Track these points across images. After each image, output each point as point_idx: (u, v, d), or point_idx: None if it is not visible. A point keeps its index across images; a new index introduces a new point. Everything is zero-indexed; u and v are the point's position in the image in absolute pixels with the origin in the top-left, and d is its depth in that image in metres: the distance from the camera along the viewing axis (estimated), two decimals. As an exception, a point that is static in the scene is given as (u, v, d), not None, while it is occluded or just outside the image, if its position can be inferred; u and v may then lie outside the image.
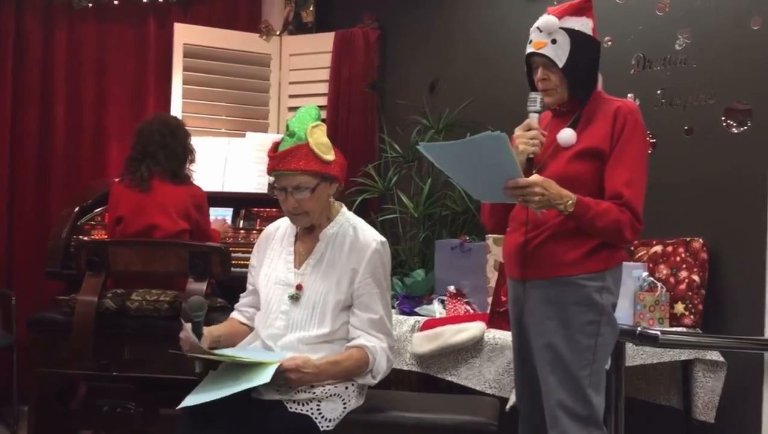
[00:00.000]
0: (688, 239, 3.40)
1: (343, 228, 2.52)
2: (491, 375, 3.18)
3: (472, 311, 3.55)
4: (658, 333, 2.82)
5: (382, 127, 4.69)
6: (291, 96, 4.94)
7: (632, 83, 3.70)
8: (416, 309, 3.68)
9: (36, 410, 3.46)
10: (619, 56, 3.72)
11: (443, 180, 4.23)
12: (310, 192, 2.40)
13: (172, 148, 3.66)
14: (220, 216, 4.20)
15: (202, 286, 3.32)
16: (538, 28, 2.35)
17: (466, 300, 3.61)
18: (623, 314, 3.13)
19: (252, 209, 4.27)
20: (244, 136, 4.58)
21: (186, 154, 3.73)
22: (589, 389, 2.28)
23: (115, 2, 4.74)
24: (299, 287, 2.47)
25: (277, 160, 2.40)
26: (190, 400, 2.27)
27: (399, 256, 4.24)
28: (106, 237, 3.81)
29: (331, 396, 2.37)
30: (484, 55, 4.34)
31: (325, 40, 4.86)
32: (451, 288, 3.63)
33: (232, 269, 3.49)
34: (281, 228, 2.63)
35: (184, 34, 4.78)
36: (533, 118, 2.34)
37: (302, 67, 4.94)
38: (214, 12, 5.02)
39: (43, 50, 4.68)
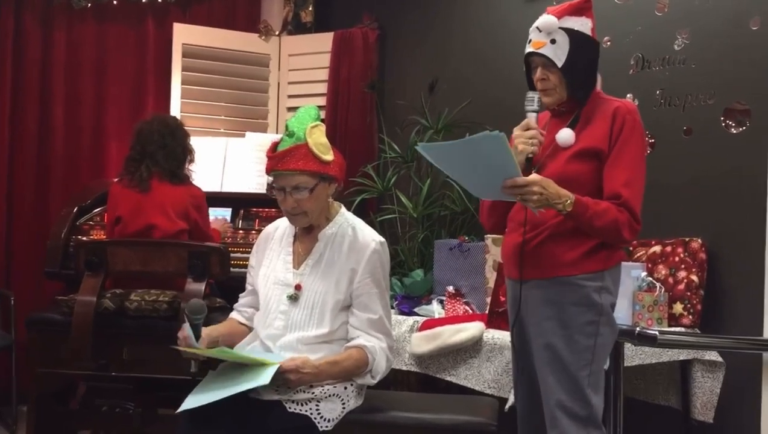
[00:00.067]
0: (686, 239, 3.41)
1: (342, 229, 2.52)
2: (490, 375, 3.18)
3: (470, 311, 3.55)
4: (657, 333, 2.83)
5: (381, 127, 4.69)
6: (290, 96, 4.94)
7: (631, 83, 3.70)
8: (415, 310, 3.68)
9: (35, 410, 3.46)
10: (618, 56, 3.72)
11: (442, 180, 4.23)
12: (309, 192, 2.40)
13: (171, 148, 3.66)
14: (219, 216, 4.20)
15: (201, 286, 3.32)
16: (537, 27, 2.36)
17: (464, 300, 3.61)
18: (622, 314, 3.13)
19: (251, 209, 4.27)
20: (243, 136, 4.59)
21: (185, 154, 3.73)
22: (588, 389, 2.28)
23: (114, 2, 4.74)
24: (298, 287, 2.47)
25: (276, 159, 2.40)
26: (190, 402, 2.26)
27: (398, 256, 4.24)
28: (105, 237, 3.81)
29: (330, 396, 2.37)
30: (483, 55, 4.34)
31: (324, 40, 4.86)
32: (450, 288, 3.63)
33: (231, 269, 3.49)
34: (280, 229, 2.63)
35: (183, 34, 4.78)
36: (531, 118, 2.34)
37: (301, 67, 4.94)
38: (213, 12, 5.02)
39: (42, 50, 4.68)
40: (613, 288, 2.36)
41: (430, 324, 3.40)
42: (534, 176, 2.20)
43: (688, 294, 3.31)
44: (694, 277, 3.32)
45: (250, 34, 4.95)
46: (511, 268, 2.42)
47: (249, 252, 2.73)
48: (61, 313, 3.40)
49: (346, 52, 4.77)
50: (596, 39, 2.41)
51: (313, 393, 2.34)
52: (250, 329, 2.61)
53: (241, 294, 2.71)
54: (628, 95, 3.65)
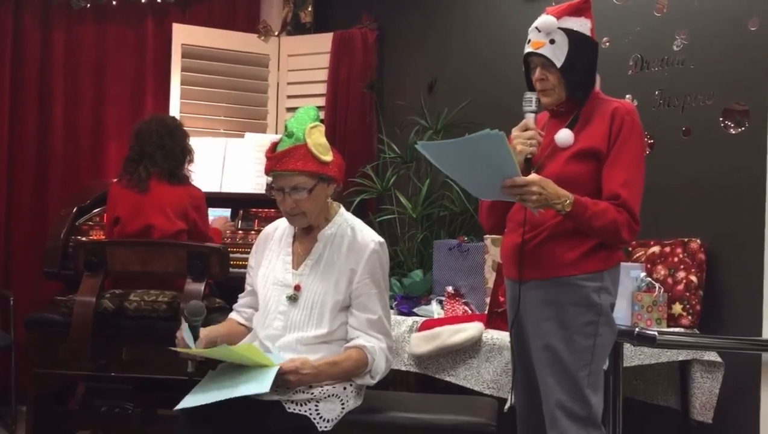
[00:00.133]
0: (685, 240, 3.41)
1: (342, 229, 2.52)
2: (489, 376, 3.18)
3: (470, 311, 3.55)
4: (656, 333, 2.83)
5: (381, 127, 4.69)
6: (289, 96, 4.94)
7: (630, 84, 3.70)
8: (414, 310, 3.68)
9: (34, 410, 3.46)
10: (617, 57, 3.72)
11: (441, 180, 4.24)
12: (308, 192, 2.40)
13: (170, 149, 3.66)
14: (221, 215, 4.20)
15: (201, 287, 3.32)
16: (536, 28, 2.36)
17: (464, 300, 3.61)
18: (621, 314, 3.13)
19: (250, 210, 4.27)
20: (242, 136, 4.59)
21: (184, 154, 3.73)
22: (588, 389, 2.28)
23: (114, 2, 4.74)
24: (297, 288, 2.47)
25: (275, 160, 2.40)
26: (188, 401, 2.27)
27: (397, 257, 4.24)
28: (104, 237, 3.81)
29: (329, 396, 2.37)
30: (483, 55, 4.34)
31: (324, 41, 4.86)
32: (449, 288, 3.63)
33: (231, 269, 3.49)
34: (279, 229, 2.63)
35: (183, 35, 4.78)
36: (530, 118, 2.34)
37: (301, 67, 4.94)
38: (212, 12, 5.02)
39: (41, 50, 4.68)
40: (613, 289, 2.36)
41: (430, 324, 3.40)
42: (533, 176, 2.20)
43: (687, 294, 3.31)
44: (693, 278, 3.32)
45: (250, 35, 4.95)
46: (511, 269, 2.42)
47: (248, 253, 2.73)
48: (60, 314, 3.40)
49: (346, 52, 4.77)
50: (595, 39, 2.41)
51: (312, 393, 2.34)
52: (249, 329, 2.61)
53: (240, 295, 2.71)
54: (627, 96, 3.65)
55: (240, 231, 4.19)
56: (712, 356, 3.22)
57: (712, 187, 3.45)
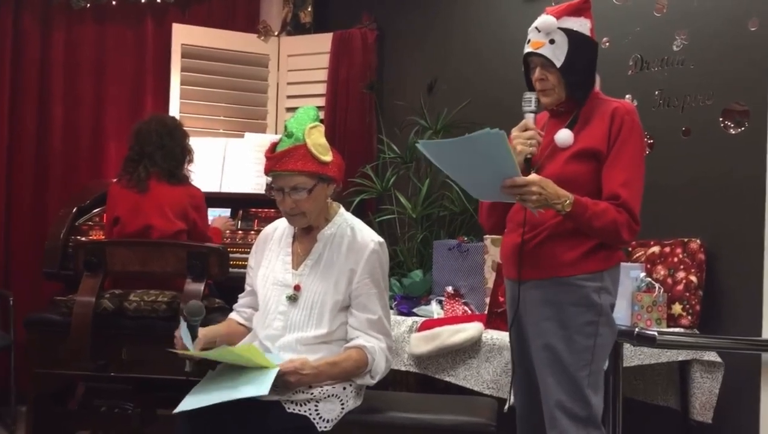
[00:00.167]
0: (685, 240, 3.41)
1: (341, 229, 2.52)
2: (489, 376, 3.18)
3: (469, 312, 3.55)
4: (656, 333, 2.83)
5: (380, 127, 4.69)
6: (289, 96, 4.94)
7: (630, 84, 3.70)
8: (414, 310, 3.68)
9: (34, 410, 3.46)
10: (617, 57, 3.72)
11: (441, 180, 4.24)
12: (308, 193, 2.40)
13: (169, 149, 3.66)
14: (222, 214, 4.20)
15: (200, 287, 3.31)
16: (536, 28, 2.36)
17: (463, 300, 3.61)
18: (621, 315, 3.13)
19: (250, 210, 4.27)
20: (242, 136, 4.59)
21: (184, 154, 3.73)
22: (588, 389, 2.28)
23: (113, 2, 4.74)
24: (297, 288, 2.47)
25: (275, 160, 2.40)
26: (186, 404, 2.26)
27: (397, 257, 4.24)
28: (103, 237, 3.81)
29: (329, 396, 2.37)
30: (483, 55, 4.34)
31: (323, 41, 4.86)
32: (449, 288, 3.63)
33: (230, 270, 3.49)
34: (279, 229, 2.63)
35: (182, 35, 4.78)
36: (529, 118, 2.34)
37: (300, 67, 4.94)
38: (212, 12, 5.03)
39: (41, 50, 4.68)
40: (613, 289, 2.36)
41: (429, 324, 3.40)
42: (533, 176, 2.20)
43: (687, 294, 3.31)
44: (693, 278, 3.32)
45: (249, 35, 4.96)
46: (510, 269, 2.42)
47: (248, 253, 2.73)
48: (59, 314, 3.40)
49: (345, 52, 4.77)
50: (595, 39, 2.41)
51: (312, 393, 2.34)
52: (249, 329, 2.61)
53: (240, 295, 2.71)
54: (627, 96, 3.65)
55: (240, 232, 4.19)
56: (712, 356, 3.22)
57: (711, 187, 3.46)
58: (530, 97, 2.36)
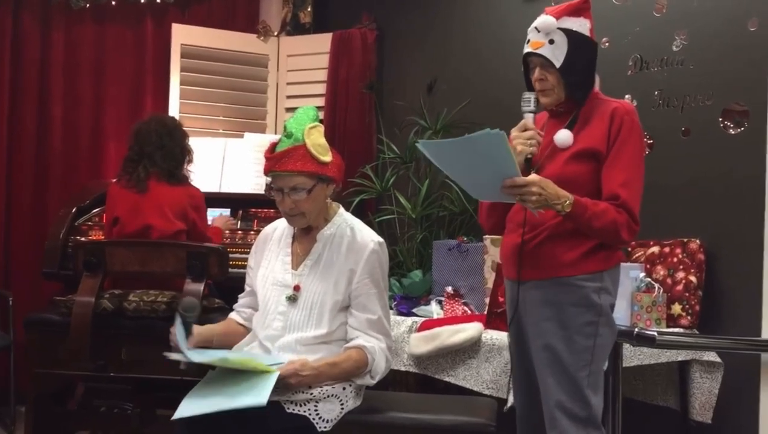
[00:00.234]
0: (685, 240, 3.41)
1: (341, 229, 2.52)
2: (489, 376, 3.18)
3: (469, 312, 3.55)
4: (656, 334, 2.83)
5: (380, 127, 4.69)
6: (289, 97, 4.94)
7: (629, 84, 3.70)
8: (414, 310, 3.68)
9: (33, 410, 3.46)
10: (617, 57, 3.72)
11: (441, 180, 4.24)
12: (307, 193, 2.40)
13: (169, 149, 3.66)
14: (224, 213, 4.20)
15: (200, 287, 3.31)
16: (535, 28, 2.35)
17: (463, 301, 3.61)
18: (620, 315, 3.13)
19: (250, 210, 4.26)
20: (241, 136, 4.59)
21: (184, 154, 3.73)
22: (588, 390, 2.28)
23: (113, 3, 4.74)
24: (297, 288, 2.47)
25: (274, 160, 2.40)
26: (185, 410, 2.24)
27: (396, 257, 4.24)
28: (103, 237, 3.81)
29: (328, 396, 2.37)
30: (482, 55, 4.35)
31: (323, 41, 4.86)
32: (449, 288, 3.63)
33: (230, 270, 3.49)
34: (279, 229, 2.63)
35: (182, 35, 4.78)
36: (528, 119, 2.34)
37: (300, 67, 4.94)
38: (211, 12, 5.03)
39: (40, 50, 4.68)
40: (613, 289, 2.36)
41: (429, 324, 3.41)
42: (533, 176, 2.20)
43: (687, 294, 3.31)
44: (693, 278, 3.32)
45: (249, 35, 4.96)
46: (510, 269, 2.42)
47: (248, 253, 2.73)
48: (59, 314, 3.40)
49: (345, 52, 4.77)
50: (594, 39, 2.41)
51: (311, 393, 2.34)
52: (248, 329, 2.61)
53: (240, 295, 2.71)
54: (627, 96, 3.65)
55: (239, 232, 4.19)
56: (712, 356, 3.22)
57: (711, 187, 3.46)
58: (529, 97, 2.36)
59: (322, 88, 4.84)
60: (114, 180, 3.80)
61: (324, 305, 2.44)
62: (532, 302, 2.35)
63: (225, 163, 4.42)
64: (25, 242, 4.57)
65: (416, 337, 3.37)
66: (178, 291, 3.37)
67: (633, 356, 3.11)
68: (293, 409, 2.31)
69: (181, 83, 4.75)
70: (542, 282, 2.33)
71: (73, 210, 3.99)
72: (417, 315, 3.62)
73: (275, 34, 5.01)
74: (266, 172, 2.44)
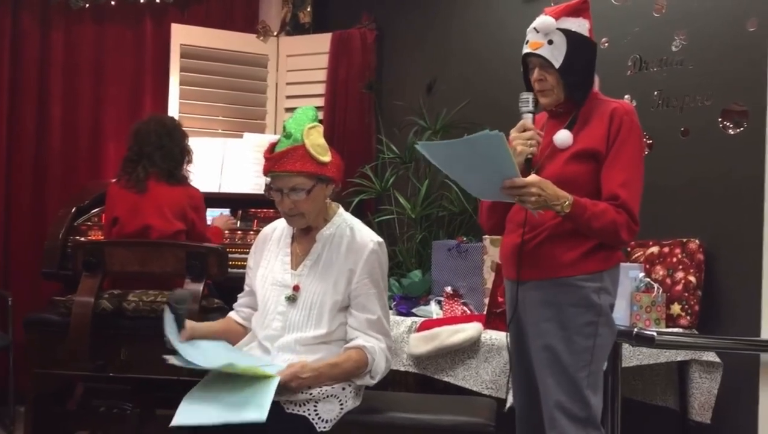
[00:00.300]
0: (684, 240, 3.41)
1: (340, 229, 2.52)
2: (488, 376, 3.18)
3: (468, 312, 3.55)
4: (655, 334, 2.83)
5: (380, 127, 4.70)
6: (288, 97, 4.95)
7: (629, 84, 3.70)
8: (413, 310, 3.68)
9: (33, 410, 3.46)
10: (616, 57, 3.72)
11: (440, 181, 4.24)
12: (306, 193, 2.40)
13: (168, 149, 3.66)
14: (224, 213, 4.20)
15: (199, 287, 3.31)
16: (534, 28, 2.36)
17: (462, 301, 3.61)
18: (620, 315, 3.13)
19: (249, 210, 4.27)
20: (241, 136, 4.59)
21: (183, 154, 3.73)
22: (587, 390, 2.28)
23: (112, 3, 4.74)
24: (296, 288, 2.47)
25: (273, 161, 2.40)
26: (182, 418, 2.24)
27: (396, 257, 4.24)
28: (102, 238, 3.80)
29: (328, 397, 2.37)
30: (482, 55, 4.35)
31: (323, 41, 4.86)
32: (448, 289, 3.63)
33: (229, 270, 3.49)
34: (278, 230, 2.63)
35: (181, 35, 4.78)
36: (527, 119, 2.34)
37: (299, 67, 4.94)
38: (211, 12, 5.03)
39: (40, 50, 4.68)
40: (612, 289, 2.36)
41: (428, 324, 3.41)
42: (532, 177, 2.20)
43: (686, 294, 3.31)
44: (692, 278, 3.32)
45: (248, 35, 4.96)
46: (510, 269, 2.42)
47: (247, 253, 2.73)
48: (58, 314, 3.40)
49: (345, 52, 4.78)
50: (593, 40, 2.41)
51: (311, 394, 2.34)
52: (247, 329, 2.61)
53: (239, 295, 2.71)
54: (626, 96, 3.65)
55: (239, 232, 4.19)
56: (711, 356, 3.22)
57: (710, 187, 3.46)
58: (527, 97, 2.36)
59: (321, 88, 4.85)
60: (113, 180, 3.80)
61: (323, 305, 2.44)
62: (531, 302, 2.35)
63: (224, 163, 4.42)
64: (25, 242, 4.57)
65: (416, 337, 3.37)
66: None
67: (632, 356, 3.11)
68: (293, 409, 2.31)
69: (181, 83, 4.75)
70: (542, 283, 2.33)
71: (73, 210, 3.99)
72: (416, 316, 3.62)
73: (275, 34, 5.01)
74: (265, 173, 2.44)
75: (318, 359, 2.39)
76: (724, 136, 3.43)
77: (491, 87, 4.21)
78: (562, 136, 2.34)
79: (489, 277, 3.52)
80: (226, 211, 4.23)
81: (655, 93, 3.64)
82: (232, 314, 2.69)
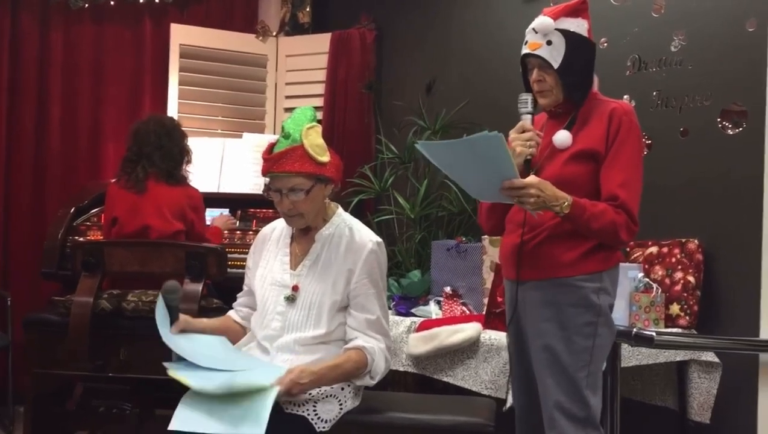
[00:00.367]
0: (683, 240, 3.41)
1: (339, 229, 2.52)
2: (487, 376, 3.18)
3: (468, 312, 3.56)
4: (654, 334, 2.83)
5: (379, 128, 4.70)
6: (287, 97, 4.95)
7: (628, 84, 3.70)
8: (412, 310, 3.68)
9: (32, 410, 3.46)
10: (615, 57, 3.72)
11: (439, 181, 4.24)
12: (305, 194, 2.40)
13: (168, 149, 3.66)
14: (224, 213, 4.20)
15: (199, 287, 3.32)
16: (533, 29, 2.36)
17: (462, 301, 3.61)
18: (619, 315, 3.13)
19: (248, 210, 4.27)
20: (240, 136, 4.59)
21: (182, 154, 3.73)
22: (587, 390, 2.28)
23: (112, 3, 4.74)
24: (295, 288, 2.47)
25: (272, 161, 2.39)
26: (181, 422, 2.23)
27: (395, 257, 4.24)
28: (102, 238, 3.80)
29: (327, 397, 2.37)
30: (481, 56, 4.35)
31: (322, 41, 4.86)
32: (447, 289, 3.63)
33: (229, 270, 3.49)
34: (277, 230, 2.63)
35: (181, 35, 4.78)
36: (526, 120, 2.34)
37: (299, 67, 4.94)
38: (210, 12, 5.03)
39: (39, 50, 4.68)
40: (612, 289, 2.36)
41: (428, 324, 3.41)
42: (531, 178, 2.20)
43: (685, 295, 3.31)
44: (691, 278, 3.33)
45: (248, 35, 4.96)
46: (509, 269, 2.42)
47: (246, 253, 2.73)
48: (58, 314, 3.40)
49: (344, 52, 4.78)
50: (592, 40, 2.41)
51: (310, 394, 2.34)
52: (245, 328, 2.61)
53: (239, 294, 2.71)
54: (625, 96, 3.65)
55: (238, 232, 4.19)
56: (710, 356, 3.22)
57: (709, 187, 3.46)
58: (526, 98, 2.36)
59: (321, 89, 4.84)
60: (113, 180, 3.80)
61: (322, 305, 2.44)
62: (531, 302, 2.36)
63: (224, 163, 4.42)
64: (24, 242, 4.57)
65: (415, 337, 3.37)
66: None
67: (631, 356, 3.11)
68: (292, 409, 2.31)
69: (180, 83, 4.75)
70: (541, 283, 2.33)
71: (72, 210, 3.99)
72: (416, 316, 3.62)
73: (274, 34, 5.00)
74: (264, 173, 2.44)
75: (317, 359, 2.39)
76: (724, 136, 3.43)
77: (491, 87, 4.21)
78: (562, 137, 2.34)
79: (488, 277, 3.52)
80: (226, 211, 4.23)
81: (654, 93, 3.64)
82: (231, 313, 2.69)
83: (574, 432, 2.26)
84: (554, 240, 2.32)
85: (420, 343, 3.34)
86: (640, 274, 3.31)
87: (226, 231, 4.12)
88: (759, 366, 3.28)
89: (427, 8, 4.63)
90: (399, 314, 3.64)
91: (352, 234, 2.49)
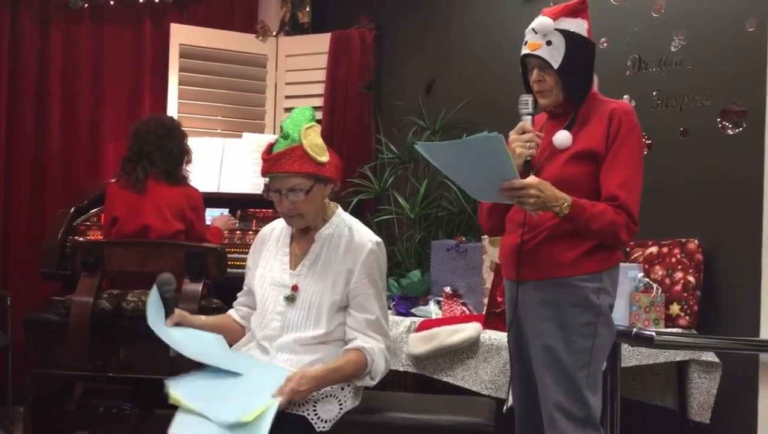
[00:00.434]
0: (683, 240, 3.41)
1: (339, 229, 2.52)
2: (487, 376, 3.18)
3: (468, 312, 3.56)
4: (654, 334, 2.83)
5: (379, 127, 4.70)
6: (287, 97, 4.95)
7: (628, 84, 3.70)
8: (412, 310, 3.68)
9: (32, 410, 3.46)
10: (615, 57, 3.72)
11: (439, 181, 4.24)
12: (305, 194, 2.40)
13: (168, 149, 3.66)
14: (224, 213, 4.20)
15: (198, 287, 3.32)
16: (533, 29, 2.36)
17: (462, 301, 3.61)
18: (619, 315, 3.13)
19: (248, 210, 4.27)
20: (240, 136, 4.59)
21: (182, 154, 3.73)
22: (587, 390, 2.28)
23: (111, 3, 4.74)
24: (295, 288, 2.47)
25: (271, 162, 2.39)
26: (179, 430, 2.23)
27: (395, 257, 4.24)
28: (101, 238, 3.80)
29: (327, 397, 2.37)
30: (481, 56, 4.35)
31: (322, 41, 4.86)
32: (447, 289, 3.63)
33: (228, 270, 3.49)
34: (277, 230, 2.63)
35: (181, 35, 4.79)
36: (527, 121, 2.34)
37: (298, 67, 4.94)
38: (210, 12, 5.03)
39: (39, 50, 4.68)
40: (611, 290, 2.36)
41: (427, 324, 3.41)
42: (531, 179, 2.20)
43: (685, 295, 3.31)
44: (691, 278, 3.32)
45: (248, 35, 4.96)
46: (509, 269, 2.42)
47: (246, 253, 2.74)
48: (57, 314, 3.40)
49: (344, 52, 4.78)
50: (592, 40, 2.40)
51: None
52: (244, 328, 2.61)
53: (238, 294, 2.71)
54: (625, 96, 3.65)
55: (238, 232, 4.19)
56: (710, 356, 3.22)
57: (709, 187, 3.46)
58: (527, 99, 2.36)
59: (320, 88, 4.85)
60: (112, 180, 3.81)
61: (322, 305, 2.44)
62: (531, 302, 2.35)
63: (223, 163, 4.42)
64: (24, 242, 4.57)
65: (415, 337, 3.37)
66: (176, 291, 3.37)
67: (631, 356, 3.11)
68: (292, 410, 2.31)
69: (180, 83, 4.75)
70: (541, 283, 2.33)
71: (72, 210, 4.00)
72: (415, 316, 3.62)
73: (274, 34, 5.00)
74: (264, 174, 2.44)
75: (317, 360, 2.39)
76: (723, 136, 3.43)
77: (490, 87, 4.21)
78: (562, 137, 2.34)
79: (488, 277, 3.52)
80: (226, 211, 4.24)
81: (654, 93, 3.64)
82: (231, 312, 2.69)
83: (573, 432, 2.26)
84: (554, 241, 2.31)
85: (420, 343, 3.34)
86: (640, 274, 3.31)
87: (226, 232, 4.12)
88: (759, 366, 3.28)
89: (427, 8, 4.63)
90: (399, 314, 3.64)
91: (352, 234, 2.49)
